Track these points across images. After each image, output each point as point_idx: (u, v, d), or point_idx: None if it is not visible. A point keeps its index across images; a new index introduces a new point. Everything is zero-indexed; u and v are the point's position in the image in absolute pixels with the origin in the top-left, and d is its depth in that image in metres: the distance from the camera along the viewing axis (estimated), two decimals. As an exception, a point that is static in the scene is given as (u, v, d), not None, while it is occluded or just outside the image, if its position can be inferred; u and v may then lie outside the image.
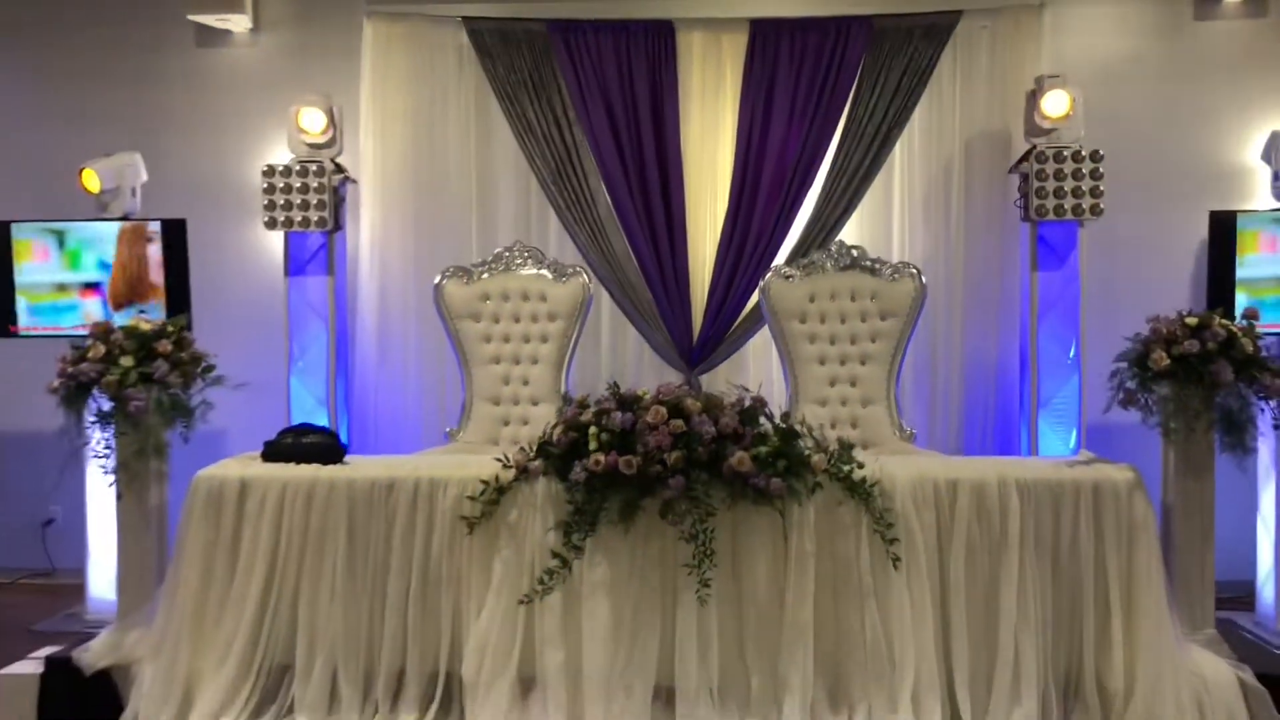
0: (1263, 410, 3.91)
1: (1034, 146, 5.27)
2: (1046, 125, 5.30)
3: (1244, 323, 3.99)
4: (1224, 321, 3.95)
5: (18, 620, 5.65)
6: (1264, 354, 3.93)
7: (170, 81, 6.29)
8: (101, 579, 5.59)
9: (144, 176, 5.67)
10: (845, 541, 3.80)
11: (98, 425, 4.09)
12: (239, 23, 6.18)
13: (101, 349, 4.08)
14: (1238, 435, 3.86)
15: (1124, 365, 4.03)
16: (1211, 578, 4.03)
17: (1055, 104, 5.28)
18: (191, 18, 6.09)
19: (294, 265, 5.55)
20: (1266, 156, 5.42)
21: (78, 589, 6.06)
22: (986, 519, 3.82)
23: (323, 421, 5.39)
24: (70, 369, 4.10)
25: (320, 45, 6.19)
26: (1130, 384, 3.99)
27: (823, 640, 3.77)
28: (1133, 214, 5.74)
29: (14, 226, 5.51)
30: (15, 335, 5.55)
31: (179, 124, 6.23)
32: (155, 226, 5.45)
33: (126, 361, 4.04)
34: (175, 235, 5.45)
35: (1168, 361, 3.89)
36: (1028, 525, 3.81)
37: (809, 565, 3.77)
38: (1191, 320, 3.95)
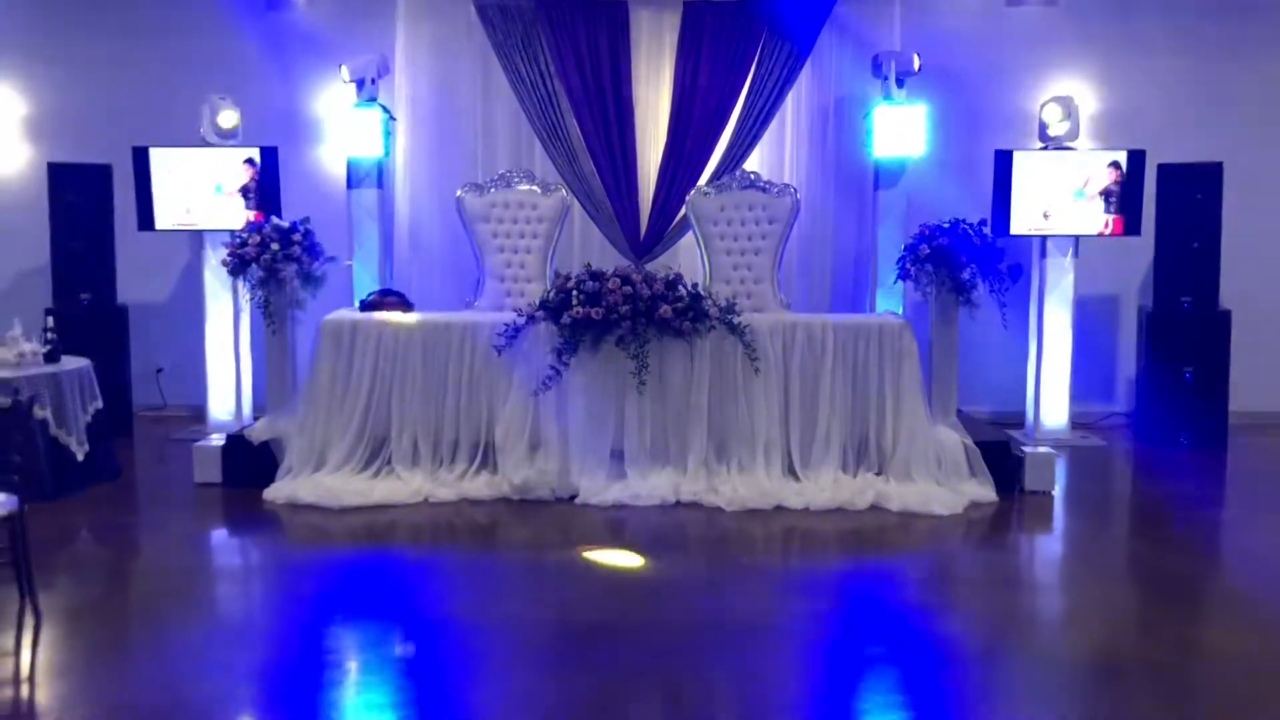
0: (983, 281, 6.59)
1: (877, 103, 7.84)
2: (893, 87, 7.80)
3: (979, 225, 6.66)
4: (965, 224, 6.63)
5: (156, 436, 8.25)
6: (989, 246, 6.61)
7: (246, 37, 8.66)
8: (219, 406, 8.21)
9: (234, 114, 8.12)
10: (727, 360, 6.53)
11: (256, 288, 6.63)
12: (301, -7, 8.55)
13: (257, 238, 6.62)
14: (966, 296, 6.58)
15: (904, 254, 6.72)
16: (954, 386, 6.81)
17: (912, 61, 7.74)
18: (267, -11, 8.47)
19: (353, 181, 8.01)
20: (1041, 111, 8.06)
21: (182, 419, 8.67)
22: (813, 347, 6.55)
23: (376, 294, 7.93)
24: (238, 251, 6.64)
25: (362, 13, 8.58)
26: (908, 265, 6.69)
27: (713, 419, 6.52)
28: (954, 148, 8.37)
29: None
30: (154, 231, 8.02)
31: (255, 70, 8.61)
32: (255, 152, 7.92)
33: (275, 247, 6.59)
34: (269, 159, 7.93)
35: (928, 251, 6.58)
36: (838, 351, 6.55)
37: (705, 374, 6.49)
38: (946, 224, 6.63)
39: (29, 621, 4.48)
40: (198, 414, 8.48)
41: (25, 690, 4.00)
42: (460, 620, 4.66)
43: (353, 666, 4.28)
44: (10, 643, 4.32)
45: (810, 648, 4.44)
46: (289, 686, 4.04)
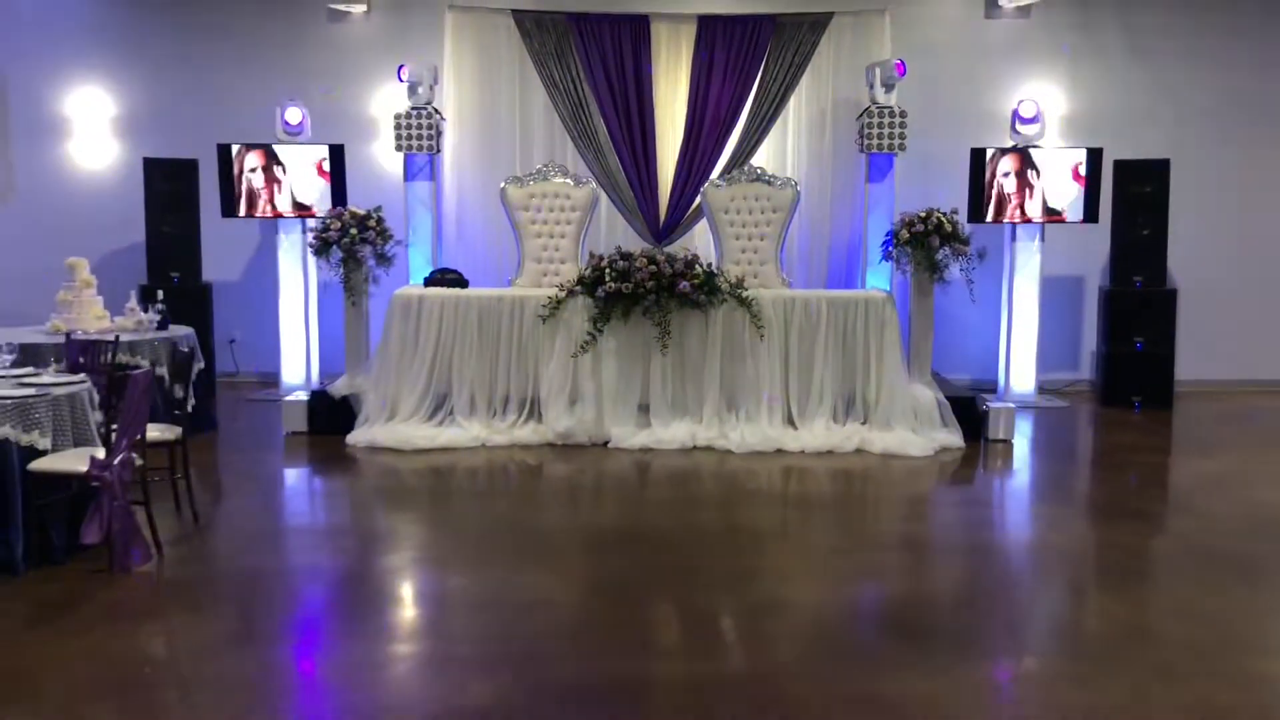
0: (955, 261, 8.01)
1: (868, 106, 9.24)
2: (882, 92, 9.18)
3: (951, 214, 8.08)
4: (939, 214, 8.04)
5: (235, 398, 9.67)
6: (959, 231, 8.03)
7: (310, 46, 10.09)
8: (290, 371, 9.65)
9: (301, 114, 9.55)
10: (737, 328, 7.95)
11: (338, 265, 8.06)
12: (358, 7, 9.98)
13: (338, 223, 8.05)
14: (939, 274, 8.00)
15: (886, 238, 8.14)
16: (929, 350, 8.24)
17: (900, 68, 9.13)
18: (331, 6, 9.90)
19: (410, 174, 9.43)
20: (1014, 114, 9.47)
21: (252, 384, 10.10)
22: (809, 317, 7.98)
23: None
24: (321, 234, 8.08)
25: (415, 25, 10.00)
26: (889, 247, 8.11)
27: (724, 376, 7.95)
28: (936, 146, 9.76)
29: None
30: (236, 218, 9.46)
31: (319, 76, 10.04)
32: (324, 149, 9.35)
33: (354, 232, 8.02)
34: (337, 155, 9.36)
35: (908, 235, 8.00)
36: (830, 320, 7.97)
37: (718, 339, 7.92)
38: (923, 213, 8.05)
39: (190, 520, 5.93)
40: (266, 379, 9.96)
41: (204, 564, 5.45)
42: (513, 525, 6.09)
43: (422, 550, 5.71)
44: (180, 533, 5.76)
45: (803, 545, 5.87)
46: (376, 564, 5.48)
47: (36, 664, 4.15)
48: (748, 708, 3.82)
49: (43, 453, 5.18)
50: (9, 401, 5.12)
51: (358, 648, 4.41)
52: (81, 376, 5.76)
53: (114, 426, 5.24)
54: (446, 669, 4.19)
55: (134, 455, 5.29)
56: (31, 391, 5.30)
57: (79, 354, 6.49)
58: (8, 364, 5.68)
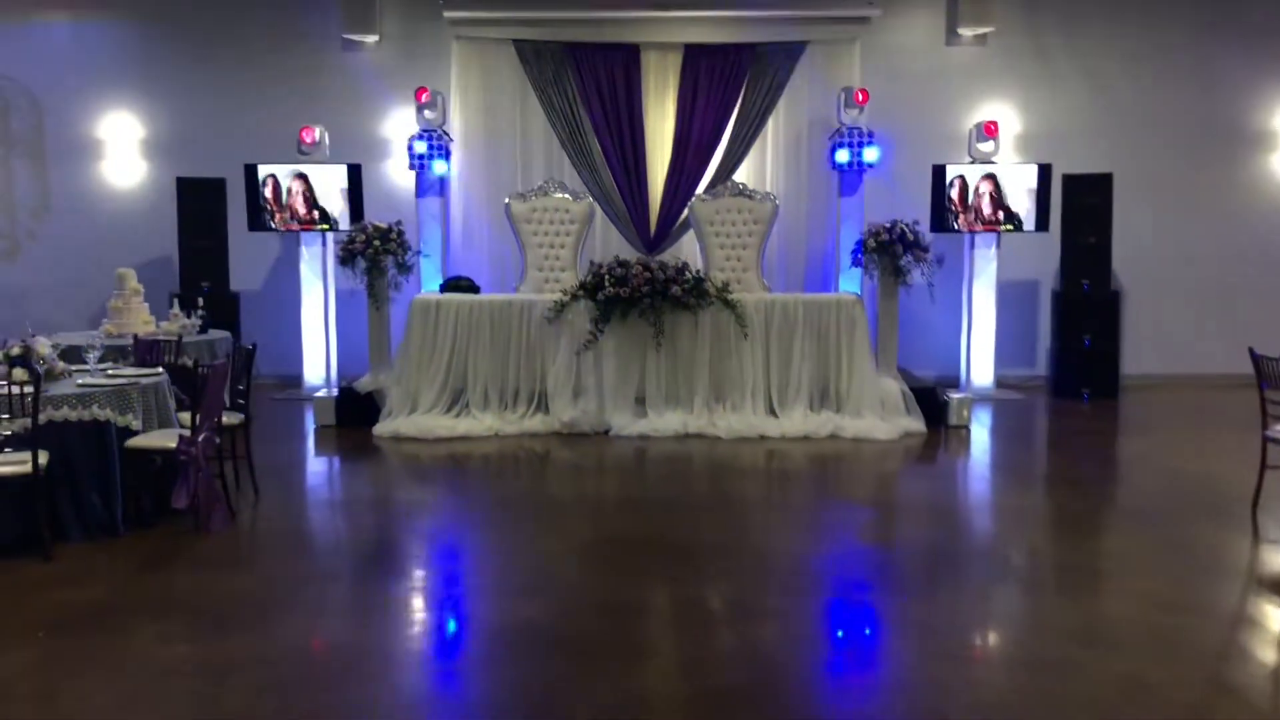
0: (917, 267, 9.11)
1: (840, 126, 10.34)
2: (853, 114, 10.31)
3: (913, 224, 9.18)
4: (903, 225, 9.14)
5: (260, 397, 10.63)
6: (920, 240, 9.12)
7: (326, 73, 11.12)
8: (312, 372, 10.65)
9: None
10: (723, 328, 9.02)
11: (364, 273, 9.08)
12: (370, 38, 11.03)
13: (363, 235, 9.08)
14: (903, 278, 9.09)
15: (855, 246, 9.24)
16: (895, 348, 9.33)
17: (861, 96, 10.27)
18: (345, 36, 10.94)
19: (421, 191, 10.46)
20: (972, 132, 10.59)
21: (271, 385, 11.08)
22: (787, 318, 9.05)
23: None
24: (348, 246, 9.10)
25: (423, 54, 11.04)
26: (858, 255, 9.21)
27: (713, 371, 9.01)
28: (902, 163, 10.88)
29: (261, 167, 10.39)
30: (261, 230, 10.46)
31: (334, 101, 11.06)
32: (343, 168, 10.37)
33: (377, 243, 9.05)
34: (355, 174, 10.38)
35: (875, 244, 9.10)
36: (807, 319, 9.04)
37: (706, 338, 8.99)
38: (887, 224, 9.15)
39: (251, 493, 6.93)
40: (285, 381, 10.93)
41: (271, 524, 6.46)
42: (527, 498, 7.12)
43: (451, 517, 6.74)
44: (244, 502, 6.76)
45: (786, 510, 6.92)
46: (413, 527, 6.50)
47: (151, 600, 5.15)
48: (730, 621, 4.87)
49: (135, 432, 6.18)
50: (108, 388, 6.13)
51: (407, 584, 5.43)
52: (159, 369, 6.77)
53: (197, 410, 6.25)
54: (489, 597, 5.22)
55: (213, 435, 6.30)
56: (123, 381, 6.31)
57: (145, 352, 7.48)
58: (96, 359, 6.67)
